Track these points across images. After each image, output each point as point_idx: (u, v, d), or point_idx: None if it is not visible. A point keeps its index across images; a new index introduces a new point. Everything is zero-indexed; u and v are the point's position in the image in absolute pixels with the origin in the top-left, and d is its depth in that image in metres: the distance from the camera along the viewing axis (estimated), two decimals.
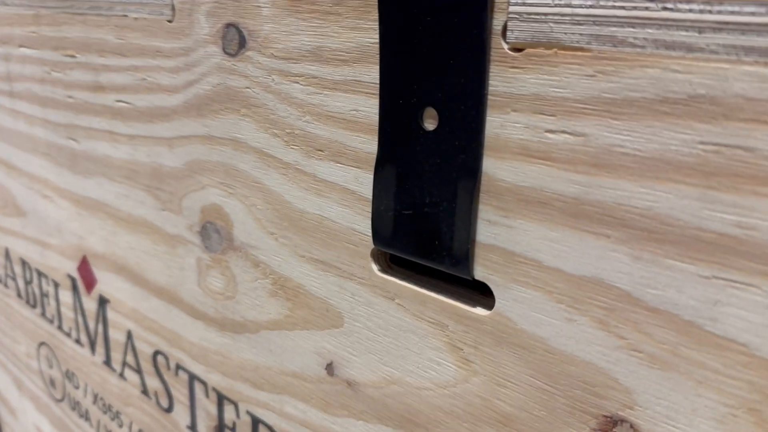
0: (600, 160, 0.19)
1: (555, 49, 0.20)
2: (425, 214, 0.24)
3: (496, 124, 0.22)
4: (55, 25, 0.41)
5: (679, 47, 0.17)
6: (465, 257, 0.23)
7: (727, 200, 0.17)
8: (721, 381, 0.18)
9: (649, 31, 0.18)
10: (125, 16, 0.36)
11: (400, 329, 0.27)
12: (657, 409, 0.20)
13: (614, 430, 0.21)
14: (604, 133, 0.19)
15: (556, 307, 0.21)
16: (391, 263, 0.27)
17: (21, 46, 0.45)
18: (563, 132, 0.20)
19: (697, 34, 0.17)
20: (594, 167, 0.20)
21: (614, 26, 0.18)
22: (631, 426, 0.21)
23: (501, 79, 0.21)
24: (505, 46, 0.21)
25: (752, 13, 0.16)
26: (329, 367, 0.30)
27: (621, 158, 0.19)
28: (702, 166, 0.18)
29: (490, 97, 0.22)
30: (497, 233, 0.22)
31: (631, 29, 0.18)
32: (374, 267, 0.27)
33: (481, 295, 0.24)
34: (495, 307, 0.23)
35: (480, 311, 0.24)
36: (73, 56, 0.40)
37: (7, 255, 0.56)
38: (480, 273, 0.23)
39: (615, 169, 0.19)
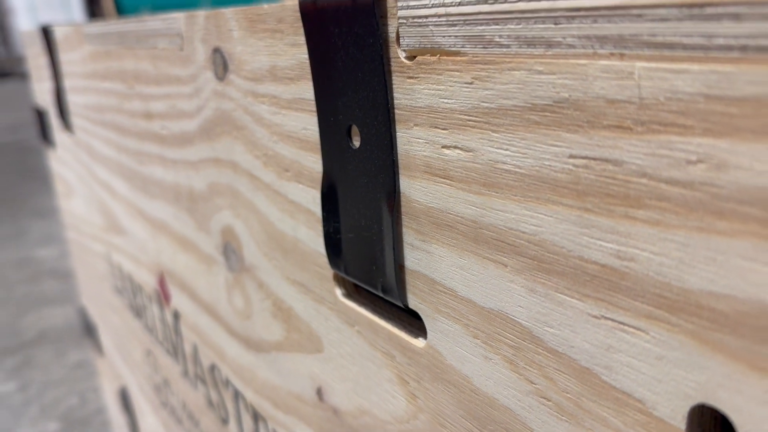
0: (488, 179, 0.17)
1: (438, 55, 0.18)
2: (364, 237, 0.23)
3: (404, 140, 0.20)
4: (119, 59, 0.44)
5: (539, 43, 0.15)
6: (396, 283, 0.21)
7: (603, 225, 0.14)
8: None
9: (511, 27, 0.15)
10: (155, 47, 0.37)
11: (363, 357, 0.25)
12: None
13: None
14: (487, 147, 0.17)
15: (473, 343, 0.19)
16: (359, 287, 0.26)
17: (104, 79, 0.49)
18: (455, 147, 0.18)
19: (553, 26, 0.14)
20: (484, 186, 0.17)
21: (482, 24, 0.16)
22: None
23: (402, 92, 0.19)
24: (401, 55, 0.19)
25: None
26: (319, 392, 0.29)
27: (505, 176, 0.16)
28: (575, 185, 0.15)
29: (396, 111, 0.20)
30: (419, 258, 0.20)
31: (496, 26, 0.16)
32: (338, 291, 0.26)
33: (421, 324, 0.22)
34: (428, 339, 0.21)
35: (419, 342, 0.22)
36: (132, 87, 0.43)
37: (120, 269, 0.62)
38: (412, 301, 0.21)
39: (501, 189, 0.17)
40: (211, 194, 0.35)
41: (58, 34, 0.60)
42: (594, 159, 0.14)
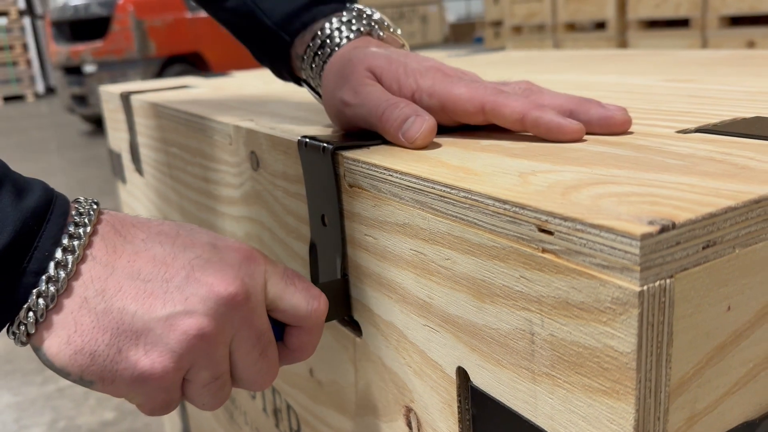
0: (384, 254, 0.34)
1: (360, 189, 0.34)
2: (329, 276, 0.39)
3: (348, 227, 0.36)
4: (185, 137, 0.62)
5: (392, 196, 0.31)
6: (348, 304, 0.38)
7: (424, 281, 0.31)
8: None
9: (387, 186, 0.32)
10: (213, 137, 0.55)
11: (332, 349, 0.42)
12: (421, 403, 0.33)
13: (410, 415, 0.35)
14: (381, 238, 0.33)
15: (381, 338, 0.36)
16: None
17: (171, 145, 0.67)
18: (369, 235, 0.34)
19: (400, 191, 0.31)
20: (383, 258, 0.34)
21: (376, 181, 0.33)
22: (415, 413, 0.34)
23: (345, 202, 0.36)
24: (345, 184, 0.36)
25: None
26: (311, 372, 0.46)
27: (390, 254, 0.33)
28: (416, 266, 0.31)
29: (344, 210, 0.36)
30: (359, 293, 0.37)
31: (382, 184, 0.32)
32: None
33: (359, 329, 0.39)
34: (362, 336, 0.38)
35: (359, 339, 0.38)
36: (195, 157, 0.61)
37: None
38: (355, 315, 0.38)
39: (389, 260, 0.33)
40: (247, 238, 0.52)
41: (135, 103, 0.79)
42: (422, 253, 0.31)
